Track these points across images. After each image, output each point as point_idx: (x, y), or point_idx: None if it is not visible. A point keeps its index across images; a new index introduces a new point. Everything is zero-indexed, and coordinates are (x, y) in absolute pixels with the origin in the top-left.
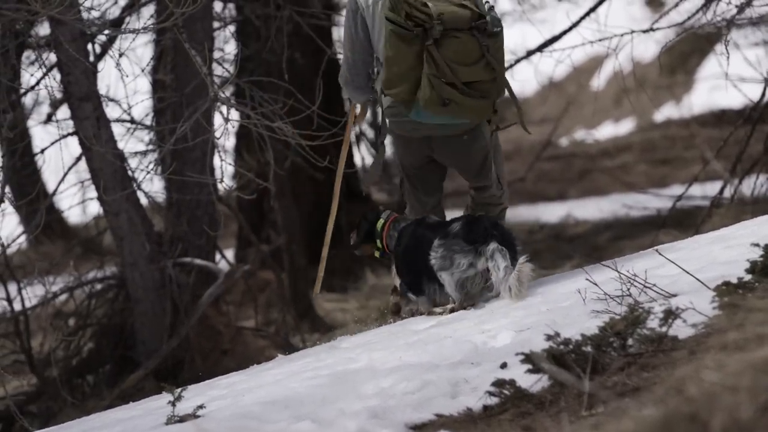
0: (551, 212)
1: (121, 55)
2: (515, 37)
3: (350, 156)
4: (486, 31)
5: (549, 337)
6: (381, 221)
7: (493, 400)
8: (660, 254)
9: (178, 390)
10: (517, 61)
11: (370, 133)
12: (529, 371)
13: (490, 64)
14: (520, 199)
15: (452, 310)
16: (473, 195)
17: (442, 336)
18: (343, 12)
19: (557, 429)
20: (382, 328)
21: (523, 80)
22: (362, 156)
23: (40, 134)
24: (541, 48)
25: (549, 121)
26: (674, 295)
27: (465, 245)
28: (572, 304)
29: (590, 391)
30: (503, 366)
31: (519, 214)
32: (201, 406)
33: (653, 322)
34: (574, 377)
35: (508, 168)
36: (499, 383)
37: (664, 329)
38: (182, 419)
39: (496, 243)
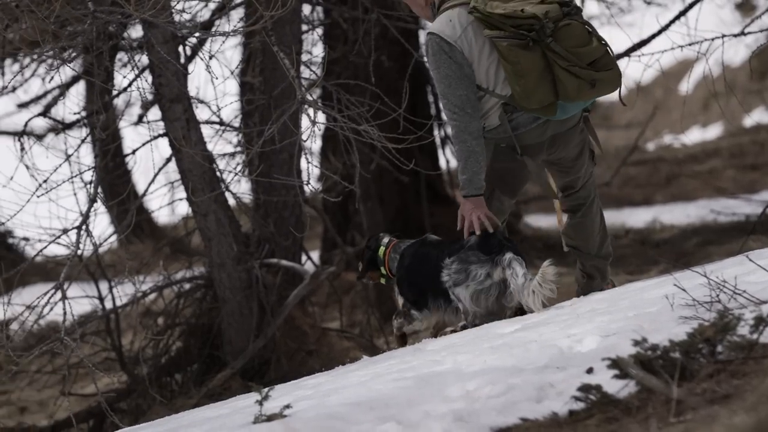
0: (637, 217)
1: (210, 57)
2: None
3: (435, 158)
4: (576, 11)
5: (636, 343)
6: (382, 248)
7: (579, 405)
8: (750, 260)
9: (266, 389)
10: None
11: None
12: (616, 376)
13: (598, 38)
14: (605, 204)
15: (464, 327)
16: (565, 201)
17: (528, 340)
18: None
19: None
20: (465, 330)
21: None
22: (447, 159)
23: (131, 135)
24: (629, 52)
25: (636, 126)
26: (765, 302)
27: (482, 255)
28: (659, 310)
29: (679, 398)
30: (589, 371)
31: (605, 218)
32: (287, 406)
33: (743, 329)
34: (662, 383)
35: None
36: (585, 388)
37: (754, 336)
38: (269, 418)
39: (512, 252)
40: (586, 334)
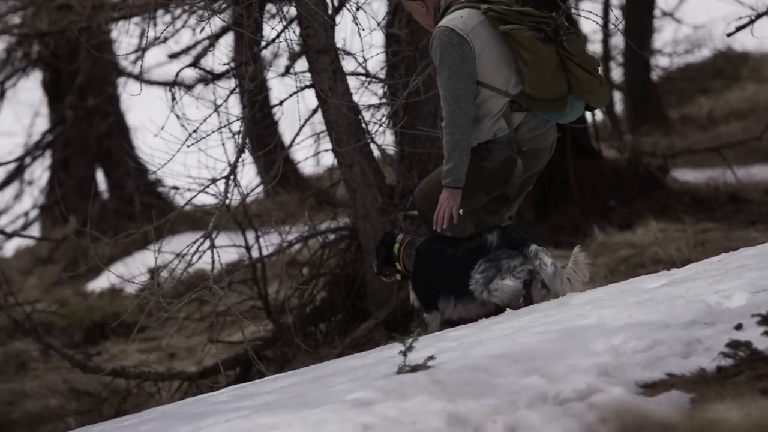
0: None
1: (358, 8)
2: None
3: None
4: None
5: None
6: (396, 245)
7: (728, 362)
8: None
9: (410, 340)
10: (759, 16)
11: None
12: (766, 333)
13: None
14: (754, 159)
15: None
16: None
17: (674, 295)
18: None
19: None
20: (611, 285)
21: (762, 37)
22: (593, 112)
23: (278, 86)
24: None
25: None
26: None
27: (511, 251)
28: None
29: None
30: (738, 327)
31: (753, 173)
32: (431, 357)
33: None
34: None
35: (742, 127)
36: (734, 344)
37: None
38: (413, 369)
39: (535, 244)
40: (735, 290)
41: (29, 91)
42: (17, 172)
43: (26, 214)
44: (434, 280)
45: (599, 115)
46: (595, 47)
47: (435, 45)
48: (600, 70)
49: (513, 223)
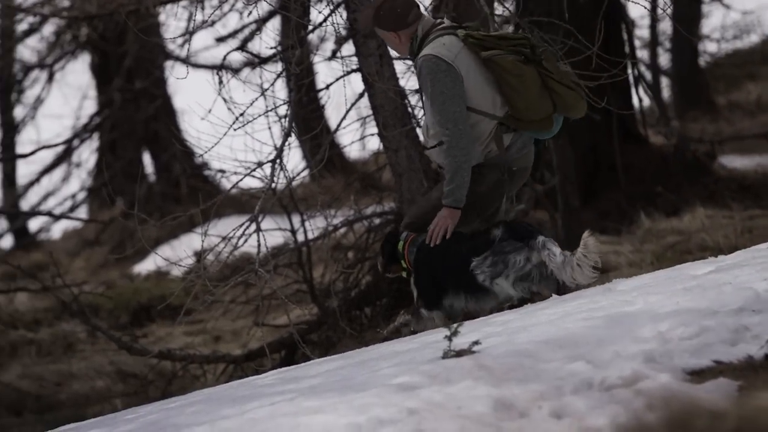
0: None
1: None
2: None
3: (627, 96)
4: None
5: None
6: (401, 242)
7: None
8: None
9: (455, 325)
10: None
11: (647, 75)
12: None
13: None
14: None
15: (511, 306)
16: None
17: (722, 282)
18: None
19: None
20: (658, 272)
21: None
22: (639, 97)
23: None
24: None
25: None
26: None
27: (516, 243)
28: None
29: None
30: None
31: None
32: (476, 342)
33: None
34: None
35: None
36: None
37: None
38: (458, 354)
39: (542, 235)
40: None
41: (77, 74)
42: (65, 155)
43: (74, 196)
44: (441, 277)
45: (646, 100)
46: (642, 32)
47: (424, 73)
48: (574, 80)
49: (517, 218)
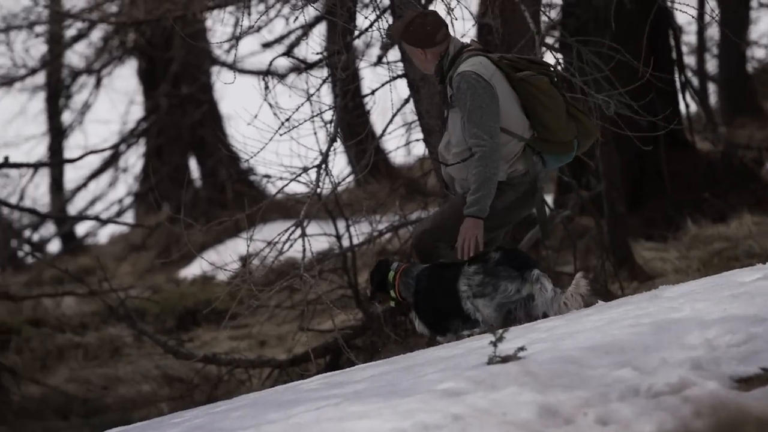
0: None
1: None
2: None
3: (675, 103)
4: None
5: None
6: (391, 272)
7: None
8: None
9: (500, 331)
10: None
11: (694, 81)
12: None
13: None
14: None
15: (483, 332)
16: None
17: None
18: None
19: None
20: (705, 278)
21: None
22: (687, 103)
23: (370, 76)
24: None
25: None
26: None
27: (512, 271)
28: None
29: None
30: None
31: None
32: (522, 348)
33: None
34: None
35: None
36: None
37: None
38: (504, 360)
39: (538, 270)
40: None
41: (125, 80)
42: (112, 160)
43: (120, 201)
44: (443, 305)
45: (693, 106)
46: (690, 38)
47: (464, 87)
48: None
49: (516, 247)
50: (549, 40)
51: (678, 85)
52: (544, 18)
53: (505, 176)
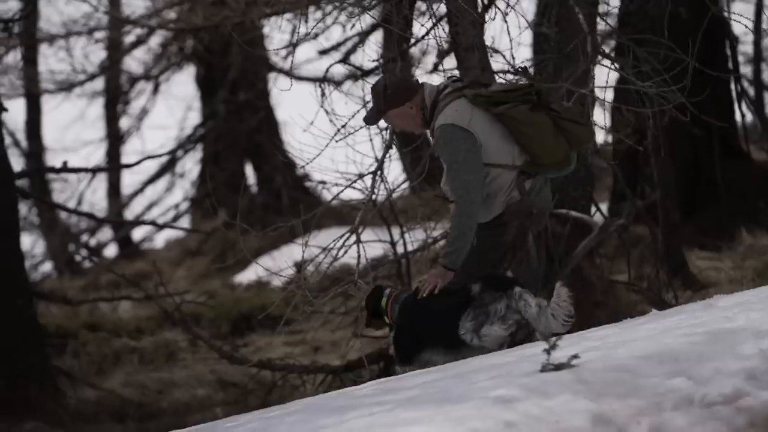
0: None
1: (507, 6)
2: None
3: (730, 112)
4: None
5: None
6: (384, 298)
7: None
8: None
9: (554, 338)
10: None
11: (750, 91)
12: None
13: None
14: None
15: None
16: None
17: None
18: None
19: None
20: (760, 288)
21: None
22: (742, 113)
23: None
24: None
25: None
26: None
27: (495, 293)
28: None
29: None
30: None
31: None
32: (575, 356)
33: None
34: None
35: None
36: None
37: None
38: (557, 367)
39: (519, 286)
40: None
41: (182, 86)
42: (169, 165)
43: (177, 206)
44: (419, 333)
45: (749, 116)
46: (746, 48)
47: (441, 142)
48: (583, 111)
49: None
50: (604, 48)
51: (734, 94)
52: (599, 26)
53: (503, 207)
